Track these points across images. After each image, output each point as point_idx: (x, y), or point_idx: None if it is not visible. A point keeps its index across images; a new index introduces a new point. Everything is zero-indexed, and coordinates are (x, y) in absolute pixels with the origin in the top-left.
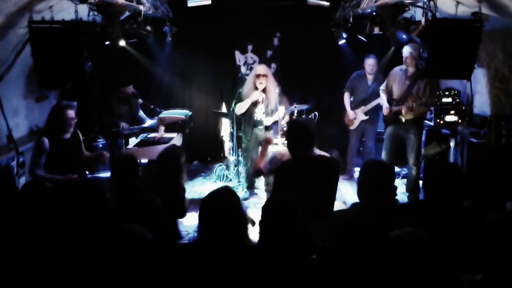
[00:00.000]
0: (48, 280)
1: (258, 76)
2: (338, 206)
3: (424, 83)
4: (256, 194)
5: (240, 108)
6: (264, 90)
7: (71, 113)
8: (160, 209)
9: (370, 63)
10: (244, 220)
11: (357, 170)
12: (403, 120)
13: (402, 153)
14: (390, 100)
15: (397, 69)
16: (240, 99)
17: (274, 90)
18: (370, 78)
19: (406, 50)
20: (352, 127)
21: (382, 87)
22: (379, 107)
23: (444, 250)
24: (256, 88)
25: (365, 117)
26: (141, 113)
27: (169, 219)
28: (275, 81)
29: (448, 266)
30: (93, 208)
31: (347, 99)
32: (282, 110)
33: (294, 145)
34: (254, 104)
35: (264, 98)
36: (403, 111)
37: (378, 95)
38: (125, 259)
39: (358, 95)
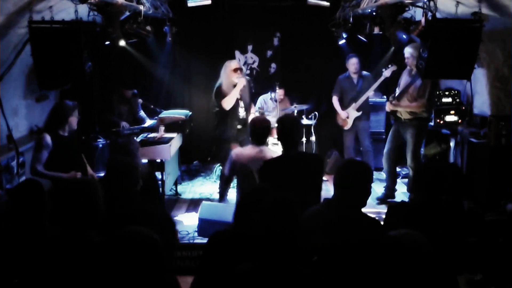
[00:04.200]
0: (46, 281)
1: (235, 70)
2: None
3: (421, 83)
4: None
5: (229, 103)
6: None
7: (75, 112)
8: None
9: (353, 62)
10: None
11: None
12: (402, 119)
13: (404, 153)
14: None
15: (406, 69)
16: (221, 95)
17: (246, 85)
18: (355, 77)
19: (407, 51)
20: (346, 127)
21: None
22: (368, 102)
23: (443, 250)
24: (235, 84)
25: (358, 113)
26: (141, 113)
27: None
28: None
29: (447, 266)
30: (87, 208)
31: (336, 102)
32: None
33: (285, 141)
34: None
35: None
36: (387, 107)
37: (365, 92)
38: (134, 260)
39: (347, 95)
